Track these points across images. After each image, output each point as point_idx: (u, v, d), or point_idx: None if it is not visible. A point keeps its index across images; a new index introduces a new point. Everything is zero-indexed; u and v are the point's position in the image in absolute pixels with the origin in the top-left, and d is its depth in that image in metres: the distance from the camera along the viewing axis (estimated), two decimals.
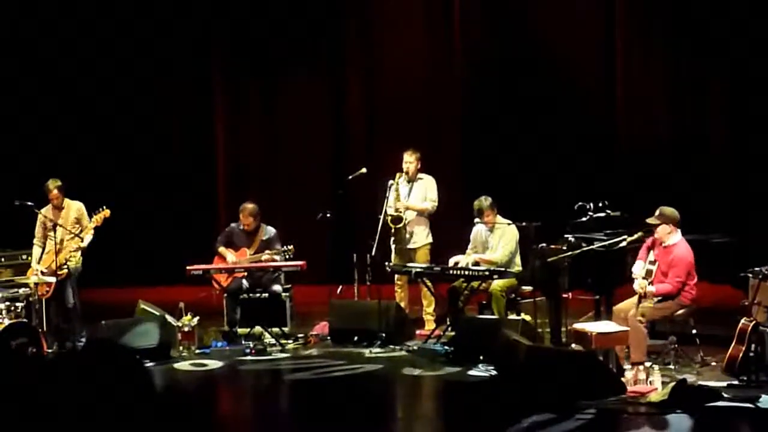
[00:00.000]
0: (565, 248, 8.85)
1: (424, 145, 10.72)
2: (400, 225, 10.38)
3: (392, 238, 10.49)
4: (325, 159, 13.89)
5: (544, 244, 9.20)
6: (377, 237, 10.19)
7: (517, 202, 10.84)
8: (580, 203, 9.34)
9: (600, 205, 9.30)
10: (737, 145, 12.76)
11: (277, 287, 10.36)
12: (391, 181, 10.44)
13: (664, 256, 8.45)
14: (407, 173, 10.48)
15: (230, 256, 10.35)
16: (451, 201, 10.46)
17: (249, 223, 10.39)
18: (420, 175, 10.55)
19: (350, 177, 10.70)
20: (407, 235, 10.45)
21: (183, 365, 9.37)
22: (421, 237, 10.48)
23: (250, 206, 10.44)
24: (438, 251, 10.42)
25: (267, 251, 10.27)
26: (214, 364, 9.39)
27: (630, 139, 13.25)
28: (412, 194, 10.51)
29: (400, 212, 10.39)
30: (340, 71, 14.04)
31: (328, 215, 10.71)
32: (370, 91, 13.94)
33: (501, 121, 13.25)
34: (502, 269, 9.45)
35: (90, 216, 9.87)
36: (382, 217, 10.33)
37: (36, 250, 9.99)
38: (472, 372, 8.65)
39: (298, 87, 14.01)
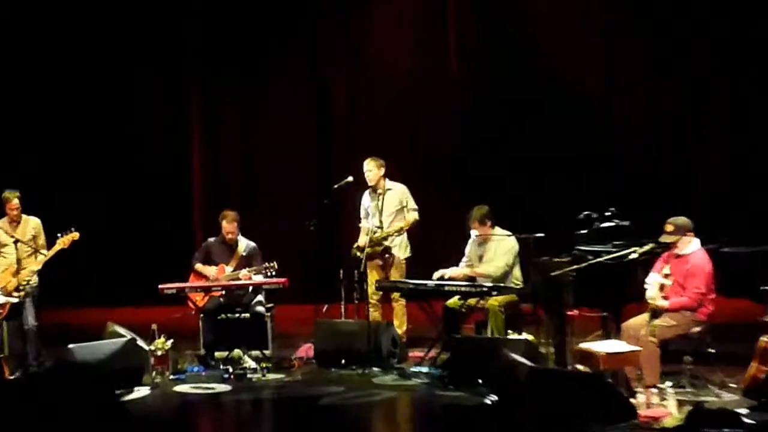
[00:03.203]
0: (569, 261, 8.61)
1: (414, 152, 10.40)
2: (388, 255, 10.08)
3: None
4: (309, 168, 13.73)
5: (546, 257, 8.90)
6: (365, 251, 9.85)
7: (516, 211, 10.52)
8: (585, 212, 9.22)
9: (607, 213, 9.15)
10: (740, 154, 12.82)
11: (260, 309, 9.83)
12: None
13: (680, 267, 8.14)
14: (371, 184, 10.16)
15: (210, 270, 9.89)
16: (442, 209, 10.11)
17: (233, 230, 9.93)
18: (389, 185, 10.19)
19: (336, 186, 10.26)
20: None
21: (183, 388, 8.95)
22: (396, 251, 10.17)
23: (232, 213, 10.04)
24: (429, 264, 9.89)
25: (247, 268, 9.79)
26: (221, 387, 8.93)
27: (631, 144, 13.25)
28: (384, 207, 10.11)
29: (380, 244, 10.02)
30: (323, 75, 14.02)
31: (312, 227, 10.23)
32: (356, 95, 13.91)
33: (497, 127, 13.16)
34: (500, 284, 9.12)
35: (55, 237, 9.48)
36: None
37: None
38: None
39: (278, 95, 13.89)
